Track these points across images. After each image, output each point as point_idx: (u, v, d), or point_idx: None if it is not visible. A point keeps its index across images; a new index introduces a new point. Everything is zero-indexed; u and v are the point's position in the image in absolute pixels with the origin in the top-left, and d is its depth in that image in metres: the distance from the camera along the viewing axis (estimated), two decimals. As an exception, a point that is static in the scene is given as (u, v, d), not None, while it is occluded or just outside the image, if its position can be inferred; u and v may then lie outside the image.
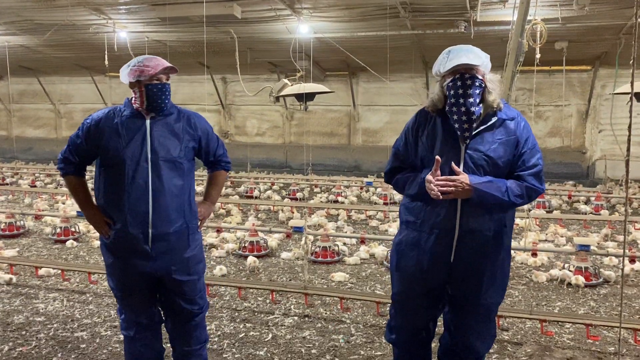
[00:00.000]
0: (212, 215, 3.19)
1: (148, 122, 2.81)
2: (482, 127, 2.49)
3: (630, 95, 2.59)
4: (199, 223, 2.99)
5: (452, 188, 2.40)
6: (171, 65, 2.83)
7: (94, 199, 2.93)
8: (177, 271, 2.88)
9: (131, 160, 2.74)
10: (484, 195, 2.40)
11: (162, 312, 3.08)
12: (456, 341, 2.77)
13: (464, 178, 2.40)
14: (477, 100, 2.45)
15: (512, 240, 7.25)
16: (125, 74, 2.84)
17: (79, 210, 7.46)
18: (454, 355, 2.81)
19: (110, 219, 2.81)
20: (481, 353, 2.76)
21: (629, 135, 2.38)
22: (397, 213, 9.19)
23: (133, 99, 2.84)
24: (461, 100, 2.44)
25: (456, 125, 2.48)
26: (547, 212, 9.08)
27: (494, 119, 2.50)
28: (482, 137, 2.49)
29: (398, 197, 10.38)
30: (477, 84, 2.44)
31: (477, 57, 2.46)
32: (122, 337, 3.95)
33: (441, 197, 2.41)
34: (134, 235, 2.76)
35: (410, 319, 2.76)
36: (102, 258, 2.98)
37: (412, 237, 2.63)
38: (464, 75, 2.45)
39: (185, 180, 2.88)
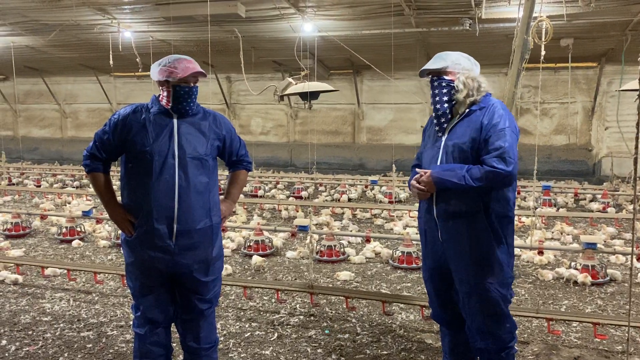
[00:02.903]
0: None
1: (175, 119, 2.85)
2: (457, 121, 2.81)
3: (638, 92, 2.56)
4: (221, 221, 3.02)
5: (422, 187, 2.76)
6: (200, 70, 2.85)
7: (118, 198, 2.95)
8: (198, 270, 2.90)
9: (159, 155, 2.78)
10: (443, 182, 2.69)
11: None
12: (469, 326, 2.85)
13: (426, 174, 2.74)
14: (444, 99, 2.80)
15: (519, 238, 7.20)
16: (155, 72, 2.88)
17: (85, 210, 7.53)
18: (473, 341, 2.86)
19: (134, 215, 2.82)
20: (503, 337, 2.78)
21: (637, 133, 2.36)
22: (402, 212, 9.15)
23: (161, 96, 2.88)
24: (431, 100, 2.87)
25: (434, 121, 2.88)
26: (555, 210, 9.03)
27: (466, 112, 2.79)
28: (456, 128, 2.80)
29: (403, 195, 10.37)
30: (443, 84, 2.81)
31: (441, 61, 2.83)
32: (128, 337, 3.98)
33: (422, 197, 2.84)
34: (159, 230, 2.78)
35: (434, 296, 3.03)
36: (123, 256, 2.99)
37: (419, 225, 3.02)
38: (432, 78, 2.87)
39: (210, 178, 2.91)
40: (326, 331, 4.09)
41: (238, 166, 3.17)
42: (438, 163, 2.79)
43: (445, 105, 2.80)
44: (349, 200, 10.20)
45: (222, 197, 3.15)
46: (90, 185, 3.23)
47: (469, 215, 2.72)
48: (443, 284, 2.94)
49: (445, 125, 2.82)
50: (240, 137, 3.20)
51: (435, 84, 2.83)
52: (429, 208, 2.84)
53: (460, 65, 2.82)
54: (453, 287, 2.91)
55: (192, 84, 2.84)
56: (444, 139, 2.81)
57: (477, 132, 2.70)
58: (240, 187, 3.23)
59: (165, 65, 2.84)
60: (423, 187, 2.75)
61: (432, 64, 2.85)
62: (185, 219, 2.81)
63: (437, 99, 2.82)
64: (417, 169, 2.91)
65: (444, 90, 2.80)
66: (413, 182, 2.81)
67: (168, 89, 2.83)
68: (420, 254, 5.90)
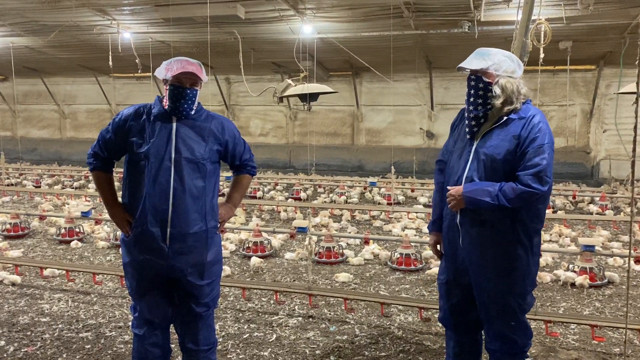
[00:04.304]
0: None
1: (175, 121, 2.84)
2: (493, 126, 2.65)
3: (636, 95, 2.58)
4: (219, 225, 2.99)
5: (451, 200, 2.67)
6: (192, 71, 2.80)
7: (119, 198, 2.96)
8: (192, 274, 2.89)
9: (155, 158, 2.77)
10: (474, 201, 2.58)
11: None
12: (486, 329, 2.82)
13: (456, 189, 2.65)
14: (479, 102, 2.64)
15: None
16: (159, 70, 2.89)
17: (84, 211, 7.53)
18: (488, 342, 2.85)
19: (132, 216, 2.83)
20: (519, 342, 2.76)
21: (635, 136, 2.37)
22: (400, 213, 9.11)
23: (163, 97, 2.89)
24: (466, 99, 2.70)
25: (466, 122, 2.72)
26: (553, 212, 9.05)
27: (504, 119, 2.63)
28: (491, 135, 2.65)
29: (402, 197, 10.37)
30: (480, 86, 2.63)
31: (482, 60, 2.62)
32: (127, 338, 3.98)
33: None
34: (153, 233, 2.78)
35: (446, 301, 2.93)
36: (121, 257, 3.00)
37: (443, 227, 2.90)
38: (470, 77, 2.67)
39: (207, 182, 2.88)
40: (331, 328, 4.11)
41: (241, 170, 3.14)
42: (467, 170, 2.66)
43: (480, 108, 2.64)
44: (345, 202, 10.20)
45: (222, 200, 3.14)
46: (93, 183, 3.25)
47: (495, 223, 2.62)
48: (458, 290, 2.86)
49: (476, 129, 2.67)
50: None
51: (472, 83, 2.65)
52: (453, 214, 2.75)
53: (502, 68, 2.62)
54: (468, 294, 2.84)
55: (186, 85, 2.82)
56: (475, 144, 2.67)
57: (514, 145, 2.56)
58: (243, 192, 3.21)
59: (167, 64, 2.86)
60: (453, 199, 2.65)
61: (472, 62, 2.65)
62: (179, 223, 2.79)
63: (472, 100, 2.65)
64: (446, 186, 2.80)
65: (480, 93, 2.62)
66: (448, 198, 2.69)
67: (166, 88, 2.85)
68: (419, 256, 5.94)
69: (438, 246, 2.98)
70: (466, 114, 2.70)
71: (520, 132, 2.56)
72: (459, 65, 2.67)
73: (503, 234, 2.63)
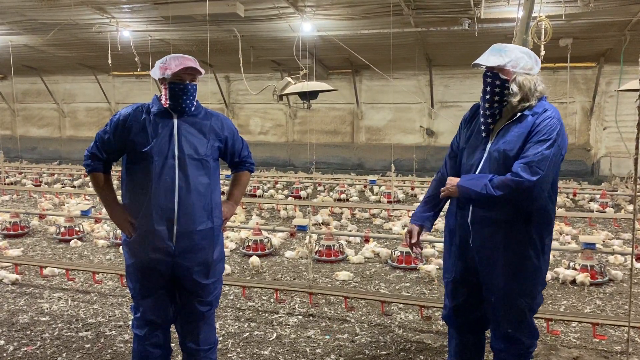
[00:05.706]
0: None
1: (175, 119, 2.83)
2: (507, 122, 2.60)
3: (638, 93, 2.56)
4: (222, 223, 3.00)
5: (444, 191, 2.67)
6: (193, 65, 2.80)
7: (119, 198, 2.93)
8: (198, 272, 2.87)
9: (158, 156, 2.76)
10: (466, 190, 2.55)
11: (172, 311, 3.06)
12: (492, 328, 2.80)
13: (452, 181, 2.63)
14: (495, 99, 2.58)
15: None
16: (154, 71, 2.87)
17: (84, 209, 7.51)
18: (494, 341, 2.82)
19: (134, 216, 2.80)
20: (525, 342, 2.73)
21: (638, 134, 2.35)
22: (400, 211, 9.09)
23: (162, 96, 2.87)
24: (481, 95, 2.63)
25: (481, 120, 2.65)
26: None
27: (518, 115, 2.59)
28: (505, 132, 2.59)
29: (401, 195, 10.36)
30: (497, 82, 2.57)
31: (498, 57, 2.57)
32: (126, 337, 3.97)
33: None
34: (159, 231, 2.75)
35: (451, 299, 2.89)
36: (123, 256, 2.98)
37: (448, 223, 2.87)
38: (486, 74, 2.61)
39: (211, 179, 2.88)
40: (327, 336, 4.08)
41: (241, 167, 3.14)
42: (480, 168, 2.61)
43: (496, 105, 2.59)
44: (341, 200, 10.19)
45: (223, 198, 3.13)
46: (91, 185, 3.21)
47: (506, 224, 2.57)
48: (465, 289, 2.82)
49: (491, 126, 2.62)
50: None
51: (489, 80, 2.59)
52: (464, 212, 2.69)
53: (519, 65, 2.56)
54: (475, 293, 2.81)
55: (187, 81, 2.80)
56: (489, 144, 2.62)
57: (524, 141, 2.51)
58: (243, 189, 3.20)
59: (163, 63, 2.83)
60: (445, 193, 2.64)
61: (488, 58, 2.59)
62: (186, 221, 2.78)
63: (488, 97, 2.59)
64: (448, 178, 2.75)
65: (497, 90, 2.57)
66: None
67: (165, 86, 2.82)
68: (420, 254, 5.92)
69: (412, 234, 2.82)
70: (481, 112, 2.64)
71: (530, 128, 2.52)
72: (475, 62, 2.61)
73: (516, 234, 2.58)
